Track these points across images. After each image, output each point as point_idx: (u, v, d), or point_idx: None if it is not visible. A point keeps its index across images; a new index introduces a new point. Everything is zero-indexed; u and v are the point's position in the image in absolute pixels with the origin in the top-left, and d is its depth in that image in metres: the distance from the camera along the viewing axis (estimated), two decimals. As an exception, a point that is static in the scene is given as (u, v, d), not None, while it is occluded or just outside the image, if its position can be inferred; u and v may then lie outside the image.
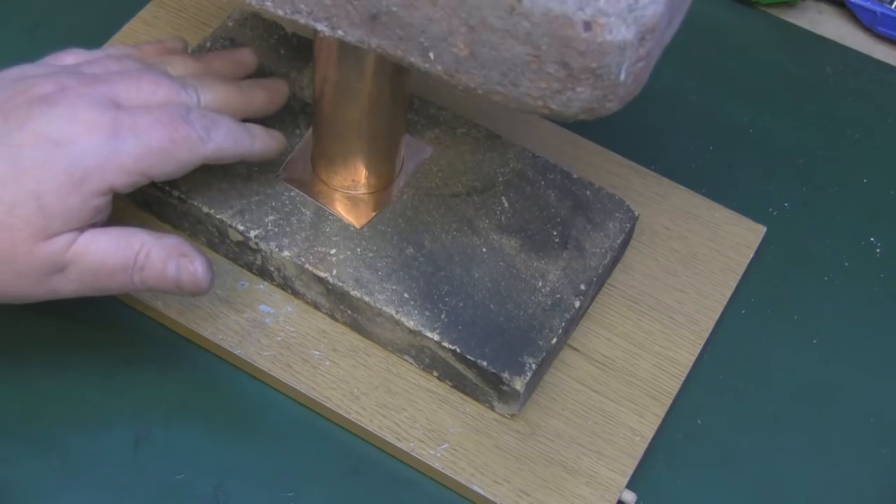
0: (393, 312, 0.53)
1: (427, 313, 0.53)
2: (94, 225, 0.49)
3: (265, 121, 0.58)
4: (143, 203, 0.57)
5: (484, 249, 0.55)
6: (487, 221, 0.56)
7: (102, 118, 0.48)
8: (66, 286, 0.49)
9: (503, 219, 0.57)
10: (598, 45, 0.40)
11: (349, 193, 0.57)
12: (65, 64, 0.52)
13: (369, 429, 0.53)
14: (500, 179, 0.58)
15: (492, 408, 0.54)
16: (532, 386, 0.53)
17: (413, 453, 0.53)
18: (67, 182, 0.47)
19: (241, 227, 0.55)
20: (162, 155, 0.49)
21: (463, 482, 0.52)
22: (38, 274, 0.48)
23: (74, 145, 0.47)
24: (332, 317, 0.56)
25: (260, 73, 0.60)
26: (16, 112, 0.48)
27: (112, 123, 0.48)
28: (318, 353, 0.55)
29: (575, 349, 0.56)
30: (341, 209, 0.56)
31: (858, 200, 0.64)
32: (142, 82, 0.51)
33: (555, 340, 0.53)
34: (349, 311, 0.55)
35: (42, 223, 0.47)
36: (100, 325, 0.56)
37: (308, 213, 0.56)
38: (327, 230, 0.55)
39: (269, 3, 0.46)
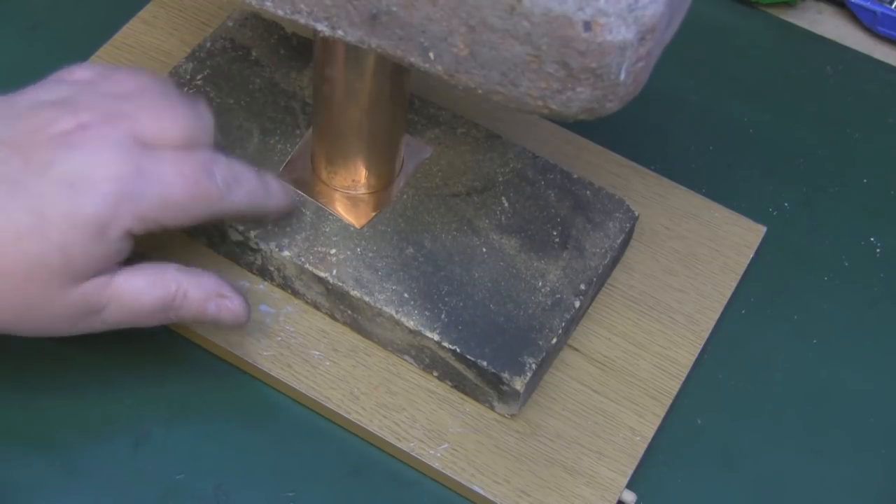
0: (393, 312, 0.53)
1: (427, 313, 0.53)
2: (125, 261, 0.49)
3: (264, 122, 0.58)
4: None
5: (484, 249, 0.55)
6: (487, 221, 0.56)
7: (125, 165, 0.47)
8: (101, 325, 0.49)
9: (503, 219, 0.57)
10: (598, 45, 0.40)
11: (349, 193, 0.57)
12: (78, 80, 0.51)
13: (369, 429, 0.53)
14: (500, 179, 0.58)
15: (492, 408, 0.54)
16: (532, 386, 0.53)
17: (413, 453, 0.53)
18: (91, 231, 0.47)
19: (241, 227, 0.55)
20: (178, 208, 0.48)
21: (463, 482, 0.52)
22: (74, 317, 0.48)
23: (97, 194, 0.46)
24: (332, 317, 0.56)
25: (260, 73, 0.60)
26: (37, 154, 0.47)
27: (135, 171, 0.47)
28: (318, 353, 0.55)
29: (575, 349, 0.56)
30: (341, 209, 0.56)
31: (858, 200, 0.64)
32: (163, 113, 0.50)
33: (555, 340, 0.53)
34: (349, 311, 0.55)
35: (69, 272, 0.47)
36: (100, 325, 0.56)
37: (308, 213, 0.56)
38: (327, 230, 0.55)
39: (269, 3, 0.46)
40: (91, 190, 0.47)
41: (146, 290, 0.49)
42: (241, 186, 0.50)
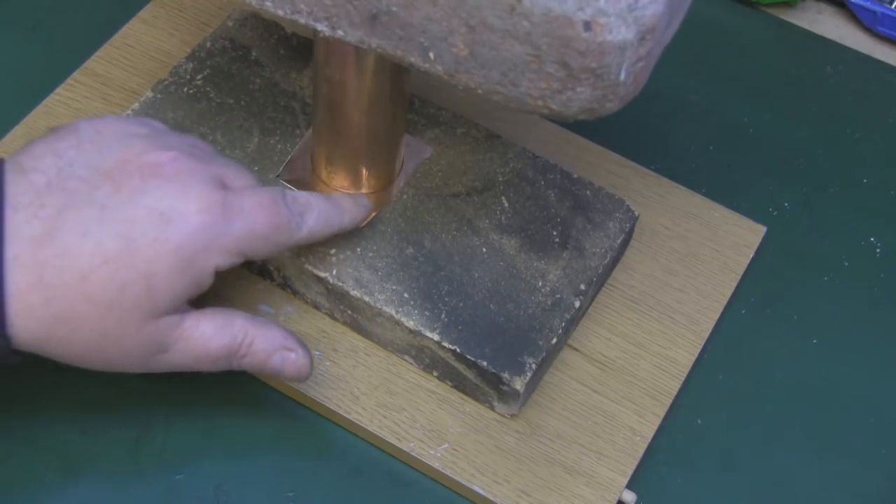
0: (393, 312, 0.53)
1: (427, 313, 0.53)
2: (195, 303, 0.49)
3: (264, 122, 0.58)
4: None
5: (484, 249, 0.55)
6: (487, 221, 0.56)
7: (213, 197, 0.47)
8: (165, 365, 0.49)
9: (503, 219, 0.57)
10: (598, 45, 0.40)
11: (349, 193, 0.57)
12: (153, 125, 0.51)
13: (369, 429, 0.53)
14: (500, 179, 0.58)
15: (492, 408, 0.54)
16: (532, 386, 0.54)
17: (413, 453, 0.53)
18: (177, 263, 0.47)
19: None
20: (263, 239, 0.49)
21: (463, 482, 0.52)
22: (143, 353, 0.48)
23: (186, 224, 0.47)
24: (332, 317, 0.56)
25: (260, 73, 0.60)
26: (129, 182, 0.47)
27: (222, 204, 0.47)
28: (318, 353, 0.55)
29: (575, 349, 0.56)
30: (341, 209, 0.56)
31: (858, 200, 0.64)
32: (244, 170, 0.51)
33: (555, 340, 0.53)
34: (349, 311, 0.55)
35: (151, 304, 0.47)
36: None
37: (308, 213, 0.56)
38: (327, 230, 0.55)
39: (269, 3, 0.46)
40: (181, 221, 0.46)
41: (214, 336, 0.49)
42: (312, 211, 0.51)
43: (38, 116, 0.61)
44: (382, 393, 0.54)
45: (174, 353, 0.48)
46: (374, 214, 0.56)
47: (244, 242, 0.48)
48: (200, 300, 0.49)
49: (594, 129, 0.61)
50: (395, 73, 0.51)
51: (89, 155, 0.47)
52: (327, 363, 0.55)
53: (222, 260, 0.48)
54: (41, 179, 0.46)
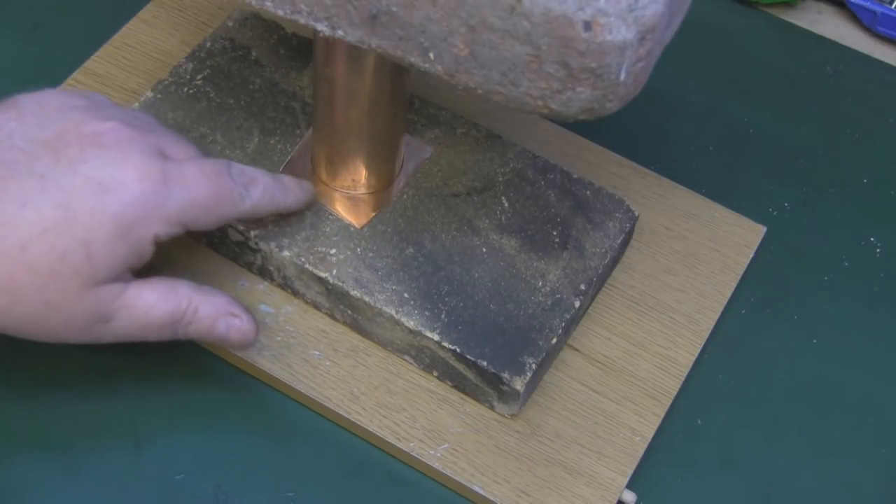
0: (393, 312, 0.53)
1: (427, 313, 0.53)
2: (138, 274, 0.49)
3: (264, 122, 0.58)
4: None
5: (484, 249, 0.55)
6: (487, 221, 0.56)
7: (152, 166, 0.48)
8: (109, 335, 0.49)
9: (503, 219, 0.57)
10: (598, 45, 0.40)
11: (349, 193, 0.57)
12: (93, 97, 0.52)
13: (369, 429, 0.53)
14: (500, 179, 0.58)
15: (492, 408, 0.54)
16: (532, 386, 0.54)
17: (413, 453, 0.53)
18: (115, 231, 0.47)
19: (240, 227, 0.55)
20: (204, 209, 0.49)
21: (463, 482, 0.52)
22: (86, 322, 0.48)
23: (124, 192, 0.47)
24: (332, 317, 0.56)
25: (260, 73, 0.60)
26: (67, 152, 0.47)
27: (161, 173, 0.48)
28: (318, 353, 0.55)
29: (575, 349, 0.56)
30: (341, 209, 0.56)
31: (858, 200, 0.64)
32: (186, 142, 0.52)
33: (555, 340, 0.53)
34: (349, 311, 0.55)
35: (91, 272, 0.47)
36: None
37: (308, 213, 0.56)
38: (327, 230, 0.55)
39: (269, 3, 0.46)
40: (120, 190, 0.47)
41: (158, 303, 0.49)
42: (258, 184, 0.51)
43: (38, 116, 0.61)
44: (382, 393, 0.54)
45: (118, 322, 0.49)
46: (374, 214, 0.56)
47: (185, 212, 0.49)
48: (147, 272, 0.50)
49: (594, 129, 0.61)
50: (395, 73, 0.51)
51: (30, 127, 0.48)
52: (327, 363, 0.55)
53: (162, 229, 0.48)
54: None
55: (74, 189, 0.47)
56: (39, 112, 0.49)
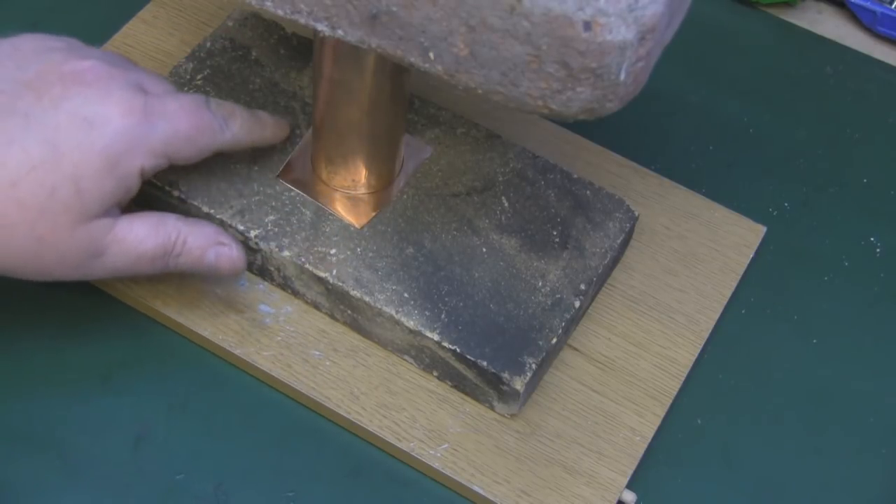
0: (393, 312, 0.53)
1: (427, 313, 0.53)
2: (127, 209, 0.50)
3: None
4: (144, 203, 0.57)
5: (484, 249, 0.55)
6: (487, 221, 0.56)
7: (134, 101, 0.49)
8: (102, 270, 0.50)
9: (503, 219, 0.57)
10: (598, 45, 0.40)
11: (349, 193, 0.57)
12: (77, 42, 0.53)
13: (369, 429, 0.53)
14: (500, 179, 0.58)
15: (492, 408, 0.54)
16: (532, 386, 0.54)
17: (413, 453, 0.53)
18: (103, 165, 0.48)
19: (241, 227, 0.55)
20: (187, 140, 0.51)
21: (463, 482, 0.52)
22: (78, 257, 0.49)
23: (109, 127, 0.48)
24: (332, 317, 0.56)
25: (260, 73, 0.60)
26: (49, 91, 0.48)
27: (143, 107, 0.49)
28: (318, 353, 0.55)
29: (575, 349, 0.56)
30: (341, 209, 0.56)
31: (858, 200, 0.64)
32: (164, 79, 0.53)
33: (555, 340, 0.53)
34: (349, 311, 0.55)
35: (80, 206, 0.48)
36: (100, 325, 0.56)
37: (308, 213, 0.56)
38: (327, 230, 0.55)
39: (269, 3, 0.46)
40: (105, 124, 0.48)
41: (147, 236, 0.50)
42: (236, 117, 0.53)
43: (38, 116, 0.61)
44: (382, 393, 0.54)
45: (109, 257, 0.50)
46: (374, 214, 0.56)
47: (168, 144, 0.50)
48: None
49: (594, 129, 0.61)
50: (395, 73, 0.51)
51: (8, 70, 0.49)
52: (327, 363, 0.55)
53: (147, 161, 0.49)
54: None
55: (59, 126, 0.48)
56: (16, 55, 0.49)
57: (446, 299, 0.54)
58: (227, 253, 0.52)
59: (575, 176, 0.58)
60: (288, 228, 0.55)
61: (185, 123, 0.50)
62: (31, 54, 0.50)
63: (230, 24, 0.62)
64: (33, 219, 0.47)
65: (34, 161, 0.47)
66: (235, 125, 0.53)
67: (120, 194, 0.49)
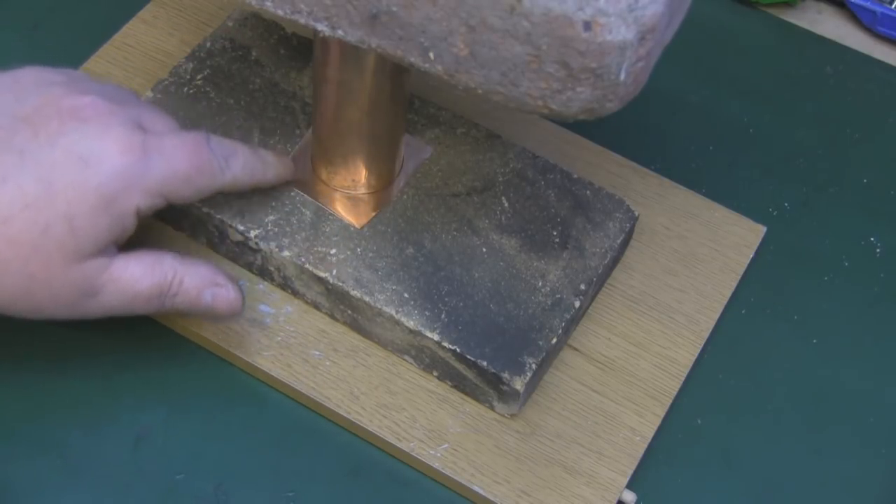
0: (393, 312, 0.53)
1: (427, 313, 0.53)
2: (123, 248, 0.49)
3: (264, 122, 0.58)
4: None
5: (484, 249, 0.55)
6: (487, 221, 0.56)
7: (132, 138, 0.48)
8: (97, 309, 0.49)
9: (503, 219, 0.57)
10: (598, 45, 0.40)
11: (349, 193, 0.57)
12: (72, 73, 0.52)
13: (369, 429, 0.53)
14: (500, 179, 0.58)
15: (492, 408, 0.54)
16: (532, 386, 0.53)
17: (413, 453, 0.53)
18: (98, 203, 0.47)
19: (241, 227, 0.55)
20: (185, 180, 0.50)
21: (463, 482, 0.52)
22: (72, 296, 0.48)
23: (105, 165, 0.47)
24: (332, 317, 0.56)
25: (260, 73, 0.60)
26: (46, 126, 0.48)
27: (141, 145, 0.48)
28: (318, 353, 0.55)
29: (575, 349, 0.56)
30: (341, 209, 0.56)
31: (858, 200, 0.64)
32: (165, 116, 0.52)
33: (555, 340, 0.53)
34: (349, 311, 0.55)
35: (74, 245, 0.47)
36: (100, 325, 0.56)
37: (308, 213, 0.56)
38: (327, 230, 0.55)
39: (269, 3, 0.46)
40: (101, 162, 0.47)
41: (143, 275, 0.49)
42: (238, 157, 0.52)
43: (38, 116, 0.61)
44: (382, 393, 0.54)
45: (104, 296, 0.49)
46: (374, 214, 0.56)
47: (165, 184, 0.49)
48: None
49: (594, 129, 0.61)
50: (395, 73, 0.51)
51: (8, 103, 0.48)
52: (327, 363, 0.55)
53: (143, 201, 0.49)
54: None
55: (54, 163, 0.47)
56: (16, 87, 0.49)
57: (446, 299, 0.54)
58: (223, 294, 0.51)
59: (575, 176, 0.58)
60: (288, 228, 0.55)
61: (184, 163, 0.49)
62: (32, 87, 0.49)
63: (230, 24, 0.62)
64: (26, 256, 0.47)
65: (28, 198, 0.46)
66: (237, 165, 0.52)
67: (116, 233, 0.48)
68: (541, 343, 0.53)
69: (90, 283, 0.48)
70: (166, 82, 0.59)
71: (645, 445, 0.54)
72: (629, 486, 0.53)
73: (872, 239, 0.63)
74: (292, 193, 0.56)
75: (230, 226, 0.55)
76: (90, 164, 0.47)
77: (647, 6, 0.40)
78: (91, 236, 0.47)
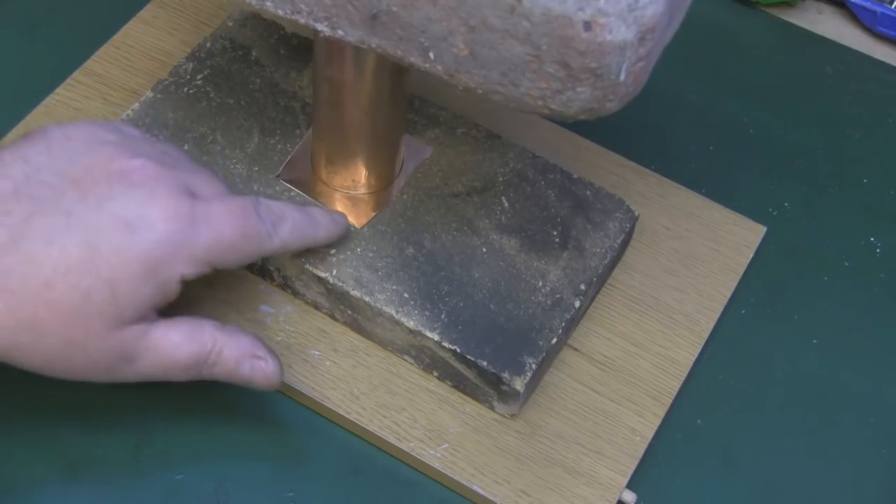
0: (393, 312, 0.53)
1: (427, 313, 0.53)
2: (163, 313, 0.49)
3: (264, 122, 0.58)
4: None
5: (484, 249, 0.55)
6: (487, 221, 0.56)
7: (180, 205, 0.47)
8: (133, 374, 0.49)
9: (503, 219, 0.57)
10: (598, 45, 0.40)
11: (349, 193, 0.57)
12: (127, 131, 0.51)
13: (369, 429, 0.53)
14: (500, 179, 0.58)
15: (492, 408, 0.54)
16: (532, 386, 0.54)
17: (413, 453, 0.53)
18: (141, 271, 0.47)
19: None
20: (231, 248, 0.49)
21: (463, 482, 0.52)
22: (109, 362, 0.48)
23: (151, 232, 0.47)
24: (332, 317, 0.56)
25: (260, 73, 0.60)
26: (94, 189, 0.47)
27: (188, 213, 0.47)
28: (318, 353, 0.55)
29: (575, 349, 0.56)
30: (341, 209, 0.56)
31: (858, 200, 0.64)
32: (215, 178, 0.51)
33: (555, 340, 0.53)
34: (349, 311, 0.55)
35: (115, 311, 0.47)
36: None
37: (308, 213, 0.56)
38: (327, 230, 0.55)
39: (269, 4, 0.46)
40: (146, 229, 0.47)
41: (182, 344, 0.49)
42: (286, 221, 0.51)
43: (38, 116, 0.61)
44: (382, 393, 0.54)
45: (142, 363, 0.48)
46: (374, 214, 0.56)
47: (211, 252, 0.48)
48: (174, 308, 0.49)
49: (594, 129, 0.61)
50: (395, 73, 0.51)
51: (58, 161, 0.47)
52: (327, 363, 0.55)
53: (188, 269, 0.48)
54: (9, 186, 0.46)
55: (100, 227, 0.46)
56: (68, 145, 0.48)
57: (446, 299, 0.54)
58: (262, 367, 0.50)
59: (575, 176, 0.58)
60: (288, 228, 0.55)
61: (231, 230, 0.48)
62: (83, 146, 0.48)
63: (230, 24, 0.62)
64: (65, 321, 0.46)
65: (71, 262, 0.46)
66: (285, 231, 0.50)
67: (158, 300, 0.48)
68: (541, 343, 0.53)
69: (128, 349, 0.48)
70: (166, 82, 0.59)
71: (645, 445, 0.54)
72: (629, 486, 0.53)
73: (872, 239, 0.63)
74: (292, 193, 0.56)
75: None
76: (136, 230, 0.46)
77: (647, 6, 0.40)
78: (132, 303, 0.47)
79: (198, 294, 0.56)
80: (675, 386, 0.56)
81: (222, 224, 0.48)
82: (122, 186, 0.47)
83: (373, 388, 0.54)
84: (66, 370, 0.48)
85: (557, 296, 0.54)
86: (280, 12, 0.46)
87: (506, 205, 0.57)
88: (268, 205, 0.50)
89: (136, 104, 0.59)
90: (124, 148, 0.49)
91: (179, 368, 0.49)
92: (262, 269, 0.56)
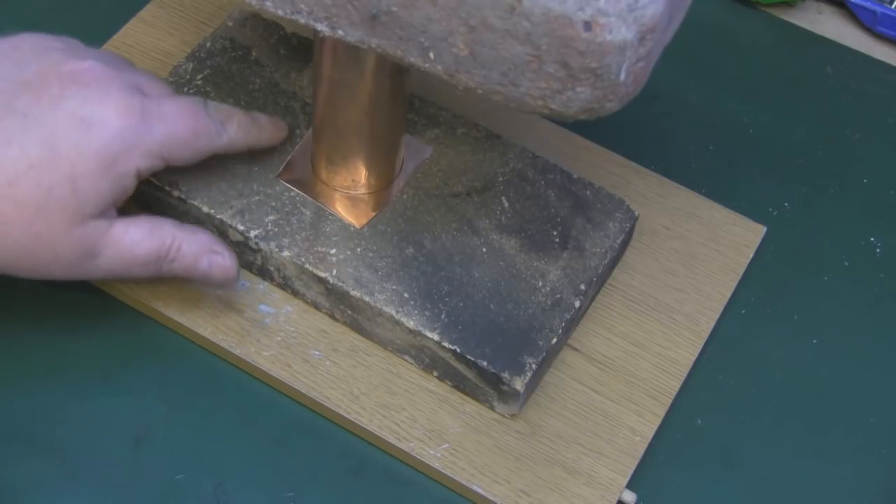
0: (393, 312, 0.53)
1: (427, 313, 0.53)
2: (126, 210, 0.51)
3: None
4: (144, 204, 0.57)
5: (484, 249, 0.55)
6: (487, 221, 0.56)
7: (132, 102, 0.49)
8: (96, 270, 0.50)
9: (503, 219, 0.57)
10: (598, 45, 0.40)
11: (349, 193, 0.57)
12: (77, 42, 0.53)
13: (369, 429, 0.53)
14: (500, 179, 0.58)
15: (492, 408, 0.54)
16: (532, 386, 0.54)
17: (413, 453, 0.53)
18: (100, 165, 0.48)
19: (241, 227, 0.55)
20: (183, 143, 0.51)
21: (463, 482, 0.52)
22: (73, 257, 0.49)
23: (106, 128, 0.49)
24: (332, 317, 0.56)
25: (260, 73, 0.60)
26: (48, 90, 0.49)
27: (141, 108, 0.50)
28: (318, 353, 0.55)
29: (575, 349, 0.56)
30: (341, 209, 0.56)
31: (858, 200, 0.64)
32: (161, 81, 0.54)
33: (555, 340, 0.53)
34: (349, 311, 0.55)
35: (76, 206, 0.48)
36: (100, 325, 0.56)
37: (308, 213, 0.56)
38: (327, 230, 0.55)
39: (269, 4, 0.46)
40: (102, 125, 0.49)
41: (143, 240, 0.51)
42: (233, 121, 0.54)
43: (38, 116, 0.61)
44: (382, 393, 0.54)
45: (104, 259, 0.50)
46: (374, 214, 0.56)
47: (164, 146, 0.50)
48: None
49: (594, 129, 0.61)
50: (395, 73, 0.51)
51: (7, 69, 0.49)
52: (327, 363, 0.55)
53: (143, 162, 0.50)
54: None
55: (57, 126, 0.48)
56: (15, 54, 0.50)
57: (446, 299, 0.54)
58: (219, 262, 0.53)
59: (575, 176, 0.58)
60: (288, 228, 0.55)
61: (182, 126, 0.51)
62: (31, 54, 0.50)
63: (230, 24, 0.62)
64: (30, 217, 0.48)
65: (32, 160, 0.47)
66: (232, 128, 0.53)
67: (116, 195, 0.50)
68: (541, 343, 0.53)
69: (91, 244, 0.49)
70: (166, 82, 0.59)
71: (645, 445, 0.54)
72: (629, 486, 0.53)
73: (872, 239, 0.63)
74: (292, 193, 0.56)
75: (230, 226, 0.55)
76: (92, 126, 0.48)
77: (647, 6, 0.40)
78: (93, 198, 0.49)
79: (198, 293, 0.56)
80: (675, 386, 0.56)
81: (174, 120, 0.51)
82: (75, 87, 0.49)
83: (373, 388, 0.54)
84: (32, 267, 0.49)
85: (557, 296, 0.54)
86: (280, 12, 0.46)
87: (506, 205, 0.57)
88: (215, 105, 0.53)
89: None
90: (72, 52, 0.51)
91: (140, 264, 0.51)
92: (262, 269, 0.56)
